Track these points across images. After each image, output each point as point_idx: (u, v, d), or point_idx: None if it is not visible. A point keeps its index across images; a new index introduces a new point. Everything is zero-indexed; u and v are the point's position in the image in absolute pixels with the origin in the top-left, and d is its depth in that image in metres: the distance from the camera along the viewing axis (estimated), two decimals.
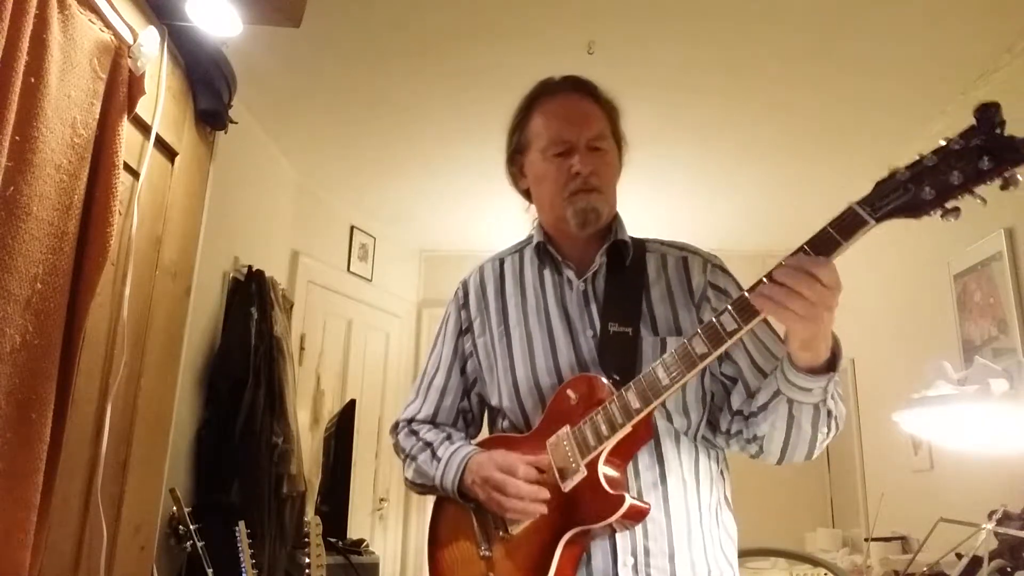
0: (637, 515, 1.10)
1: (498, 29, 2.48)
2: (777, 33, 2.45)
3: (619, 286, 1.26)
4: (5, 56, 1.14)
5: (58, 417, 1.28)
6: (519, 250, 1.39)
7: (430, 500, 1.32)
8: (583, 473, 1.11)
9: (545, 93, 1.32)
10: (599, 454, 1.11)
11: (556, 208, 1.27)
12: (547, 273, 1.32)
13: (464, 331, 1.36)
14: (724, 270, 1.30)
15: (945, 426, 1.92)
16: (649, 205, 3.67)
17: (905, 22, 2.34)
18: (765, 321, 1.21)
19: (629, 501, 1.08)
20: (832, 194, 3.68)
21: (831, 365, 1.04)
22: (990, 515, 1.90)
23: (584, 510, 1.10)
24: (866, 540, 2.99)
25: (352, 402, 3.62)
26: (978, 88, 2.59)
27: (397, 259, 4.55)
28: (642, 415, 1.08)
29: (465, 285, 1.40)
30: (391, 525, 4.24)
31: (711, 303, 1.25)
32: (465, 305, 1.37)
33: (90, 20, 1.40)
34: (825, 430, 1.11)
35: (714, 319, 1.03)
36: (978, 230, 2.63)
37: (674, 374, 1.05)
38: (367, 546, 3.30)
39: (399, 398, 4.29)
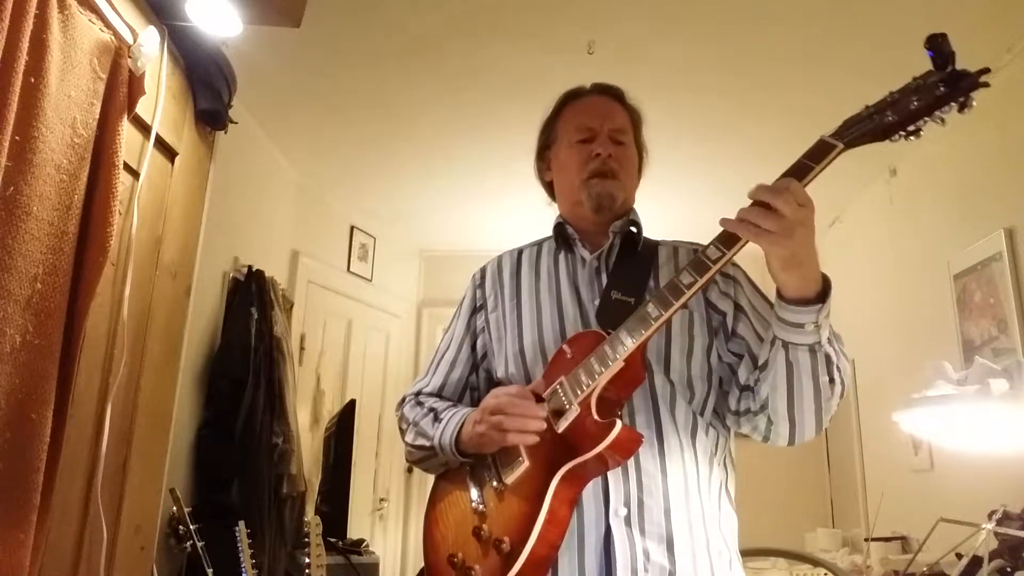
0: (629, 443, 1.08)
1: (498, 29, 2.48)
2: (777, 33, 2.45)
3: (629, 263, 1.30)
4: (5, 56, 1.13)
5: (58, 417, 1.28)
6: (538, 244, 1.44)
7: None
8: (576, 411, 1.10)
9: (574, 96, 1.40)
10: (591, 391, 1.10)
11: (574, 191, 1.33)
12: (562, 256, 1.36)
13: (478, 308, 1.40)
14: (734, 262, 1.31)
15: (945, 426, 1.92)
16: (649, 205, 3.64)
17: (905, 22, 2.34)
18: (756, 288, 1.25)
19: (620, 425, 1.05)
20: (832, 194, 3.68)
21: (821, 298, 1.04)
22: (990, 515, 1.90)
23: (576, 443, 1.08)
24: (866, 540, 2.98)
25: (352, 402, 3.62)
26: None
27: (397, 259, 4.56)
28: (635, 347, 1.07)
29: (483, 269, 1.45)
30: (391, 525, 4.24)
31: (719, 286, 1.27)
32: (481, 284, 1.42)
33: (90, 20, 1.40)
34: (827, 380, 1.09)
35: (699, 253, 1.06)
36: (978, 230, 2.63)
37: (662, 305, 1.06)
38: (367, 546, 3.30)
39: (399, 398, 4.28)
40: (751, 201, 1.01)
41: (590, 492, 1.13)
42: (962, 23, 2.32)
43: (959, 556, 1.96)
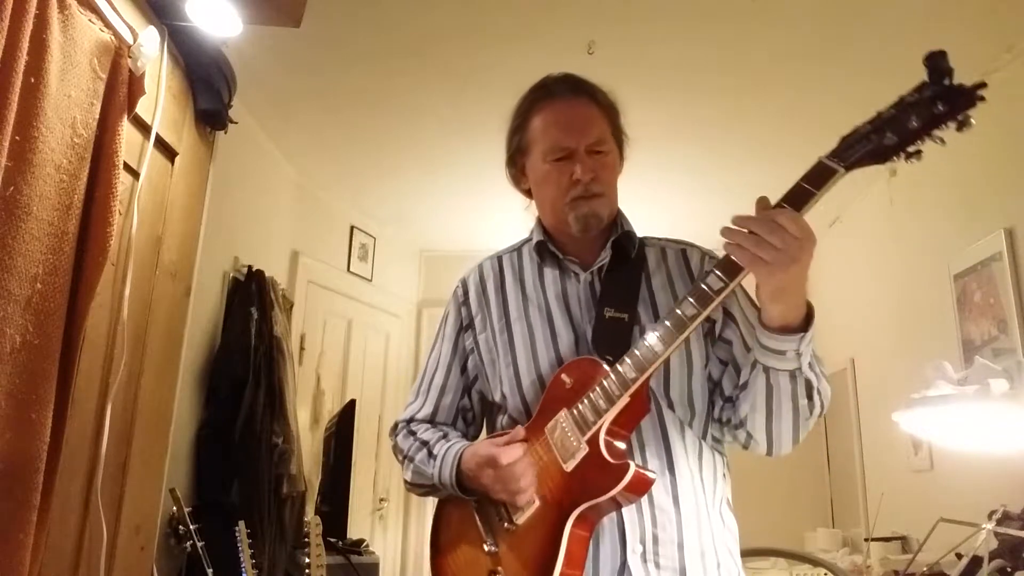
0: (642, 485, 1.08)
1: (498, 29, 2.48)
2: (777, 33, 2.45)
3: (620, 274, 1.27)
4: (5, 56, 1.14)
5: (58, 417, 1.28)
6: (517, 249, 1.40)
7: (431, 500, 1.32)
8: (585, 450, 1.10)
9: (544, 96, 1.31)
10: (599, 429, 1.10)
11: (558, 212, 1.28)
12: (547, 270, 1.32)
13: (465, 328, 1.36)
14: None
15: (945, 426, 1.92)
16: (648, 205, 3.66)
17: (905, 22, 2.34)
18: (747, 296, 1.23)
19: (633, 468, 1.06)
20: (832, 194, 3.68)
21: (804, 327, 1.04)
22: (990, 515, 1.90)
23: (589, 485, 1.09)
24: (866, 540, 2.98)
25: (352, 402, 3.62)
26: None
27: (397, 259, 4.55)
28: (638, 383, 1.08)
29: (464, 283, 1.39)
30: (391, 525, 4.24)
31: None
32: (465, 302, 1.37)
33: (90, 20, 1.40)
34: (806, 402, 1.10)
35: (701, 282, 1.05)
36: (978, 230, 2.63)
37: (666, 340, 1.06)
38: (367, 546, 3.30)
39: (399, 398, 4.29)
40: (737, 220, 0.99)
41: (606, 529, 1.13)
42: (962, 23, 2.32)
43: (959, 556, 1.96)
